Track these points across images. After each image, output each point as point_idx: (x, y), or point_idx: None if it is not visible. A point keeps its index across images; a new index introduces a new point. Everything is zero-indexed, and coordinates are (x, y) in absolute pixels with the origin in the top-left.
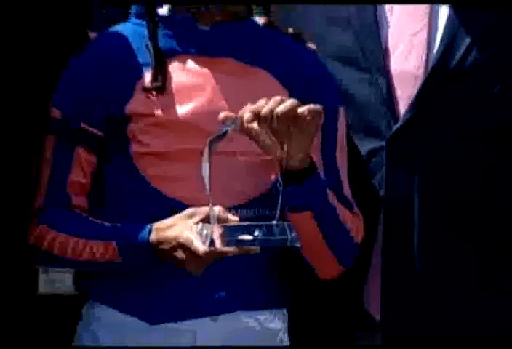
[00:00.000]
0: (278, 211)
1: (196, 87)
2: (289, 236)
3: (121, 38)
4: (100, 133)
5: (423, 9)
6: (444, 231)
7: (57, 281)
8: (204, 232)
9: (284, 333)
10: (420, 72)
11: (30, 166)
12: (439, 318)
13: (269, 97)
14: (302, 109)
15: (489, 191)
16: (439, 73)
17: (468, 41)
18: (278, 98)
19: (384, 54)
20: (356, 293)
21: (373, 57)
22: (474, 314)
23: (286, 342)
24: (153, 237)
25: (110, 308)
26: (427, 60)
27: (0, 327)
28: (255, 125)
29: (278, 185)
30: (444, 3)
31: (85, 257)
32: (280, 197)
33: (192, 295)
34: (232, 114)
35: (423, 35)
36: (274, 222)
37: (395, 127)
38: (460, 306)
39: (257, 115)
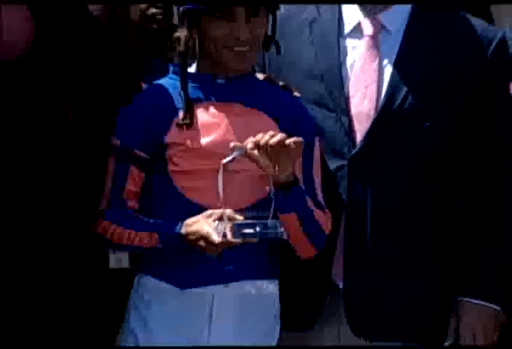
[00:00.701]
0: (271, 213)
1: (214, 124)
2: (279, 231)
3: (163, 89)
4: (147, 156)
5: (374, 68)
6: (387, 225)
7: (120, 259)
8: (219, 227)
9: (276, 297)
10: (372, 113)
11: (97, 179)
12: (384, 285)
13: (265, 132)
14: (289, 141)
15: (419, 198)
16: (385, 114)
17: (404, 91)
18: (271, 132)
19: (346, 99)
20: (326, 268)
21: (338, 102)
22: (407, 286)
23: (278, 304)
24: (182, 230)
25: (153, 278)
26: (376, 105)
27: (84, 292)
28: (255, 152)
29: (271, 194)
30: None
31: (136, 243)
32: (272, 202)
33: (210, 269)
34: (239, 144)
35: (374, 87)
36: (269, 221)
37: (353, 151)
38: (398, 278)
39: (256, 145)
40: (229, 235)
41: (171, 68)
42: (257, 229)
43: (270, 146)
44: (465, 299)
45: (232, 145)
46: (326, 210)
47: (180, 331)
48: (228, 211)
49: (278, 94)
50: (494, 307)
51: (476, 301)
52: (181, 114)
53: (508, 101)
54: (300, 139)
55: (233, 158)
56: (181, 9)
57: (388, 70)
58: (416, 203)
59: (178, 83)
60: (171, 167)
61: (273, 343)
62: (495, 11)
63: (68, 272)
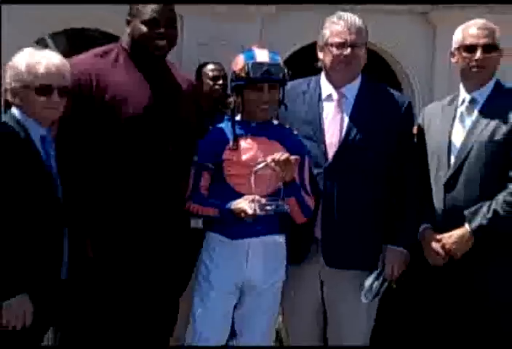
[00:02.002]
0: (280, 197)
1: (249, 148)
2: (285, 208)
3: (221, 129)
4: (212, 166)
5: (338, 119)
6: (346, 204)
7: (197, 223)
8: (251, 205)
9: (284, 244)
10: (337, 144)
11: (184, 181)
12: (345, 236)
13: (278, 152)
14: (291, 158)
15: (367, 189)
16: (344, 145)
17: (355, 132)
18: (281, 153)
19: (323, 136)
20: (311, 228)
21: (319, 137)
22: (359, 236)
23: (285, 249)
24: (231, 206)
25: (215, 233)
26: (339, 139)
27: (173, 242)
28: (273, 164)
29: (281, 186)
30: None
31: (206, 214)
32: (281, 192)
33: (247, 228)
34: (263, 159)
35: (338, 130)
36: (279, 202)
37: (326, 164)
38: (353, 232)
39: (273, 160)
40: (257, 210)
41: (226, 117)
42: (273, 206)
43: (281, 161)
44: (389, 246)
45: (259, 160)
46: (312, 196)
47: (229, 264)
48: (256, 197)
49: (285, 131)
50: (405, 251)
51: (394, 247)
52: (231, 143)
53: (411, 138)
54: (297, 157)
55: (260, 167)
56: (232, 84)
57: (346, 120)
58: (365, 192)
59: (230, 126)
60: (225, 172)
61: (283, 272)
62: None
63: (179, 234)
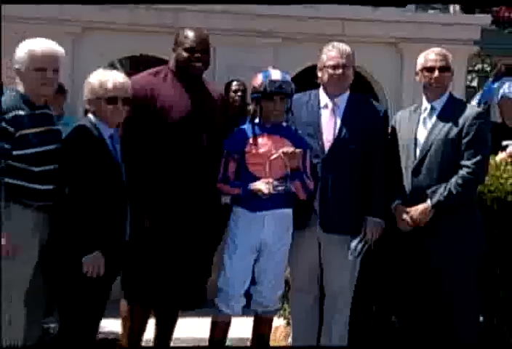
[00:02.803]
0: (288, 180)
1: (265, 144)
2: (292, 188)
3: (244, 129)
4: (238, 156)
5: (332, 123)
6: (337, 184)
7: (226, 199)
8: (266, 186)
9: (291, 215)
10: (331, 141)
11: (216, 168)
12: (336, 208)
13: (287, 146)
14: (296, 151)
15: (352, 174)
16: (336, 142)
17: (344, 132)
18: (289, 147)
19: (321, 134)
20: (311, 202)
21: (318, 135)
22: (348, 209)
23: (291, 219)
24: (251, 187)
25: (239, 207)
26: (333, 137)
27: (209, 214)
28: (283, 155)
29: (288, 172)
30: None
31: (232, 192)
32: (289, 176)
33: (264, 203)
34: (276, 151)
35: (332, 130)
36: (287, 184)
37: (323, 157)
38: (342, 206)
39: (282, 152)
40: (270, 189)
41: (247, 121)
42: (282, 187)
43: (289, 153)
44: (368, 217)
45: (273, 152)
46: (312, 180)
47: (250, 230)
48: (270, 179)
49: (292, 131)
50: (380, 220)
51: (371, 218)
52: (251, 139)
53: (385, 137)
54: (301, 150)
55: (273, 158)
56: (252, 96)
57: (338, 123)
58: (351, 176)
59: (250, 127)
60: (247, 161)
61: (290, 236)
62: None
63: (212, 208)
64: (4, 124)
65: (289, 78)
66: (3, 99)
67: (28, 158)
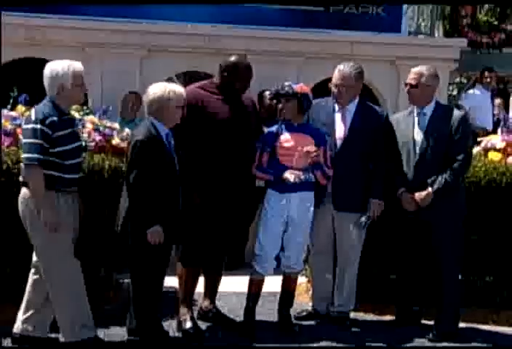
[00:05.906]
0: (310, 171)
1: (291, 139)
2: (313, 177)
3: (275, 127)
4: (270, 149)
5: (343, 123)
6: (349, 170)
7: (260, 183)
8: (292, 176)
9: (313, 197)
10: (342, 138)
11: (252, 159)
12: (347, 189)
13: (309, 144)
14: (316, 148)
15: (361, 163)
16: (348, 138)
17: (354, 130)
18: (312, 145)
19: (334, 132)
20: (326, 185)
21: (333, 133)
22: (356, 191)
23: (313, 199)
24: (281, 176)
25: (271, 189)
26: (344, 135)
27: (247, 194)
28: (307, 152)
29: (310, 164)
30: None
31: (265, 178)
32: (310, 168)
33: (290, 187)
34: (301, 148)
35: (343, 129)
36: (309, 173)
37: (336, 150)
38: (353, 188)
39: (306, 151)
40: (296, 178)
41: (279, 121)
42: (306, 176)
43: (310, 152)
44: (372, 199)
45: (299, 148)
46: (331, 169)
47: (279, 207)
48: (296, 171)
49: (314, 129)
50: (381, 201)
51: (373, 199)
52: (280, 136)
53: (385, 136)
54: (320, 149)
55: (298, 154)
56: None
57: (348, 124)
58: (359, 166)
59: (280, 126)
60: (277, 154)
61: (312, 213)
62: None
63: (250, 189)
64: (45, 128)
65: (308, 89)
66: (40, 108)
67: (60, 154)
